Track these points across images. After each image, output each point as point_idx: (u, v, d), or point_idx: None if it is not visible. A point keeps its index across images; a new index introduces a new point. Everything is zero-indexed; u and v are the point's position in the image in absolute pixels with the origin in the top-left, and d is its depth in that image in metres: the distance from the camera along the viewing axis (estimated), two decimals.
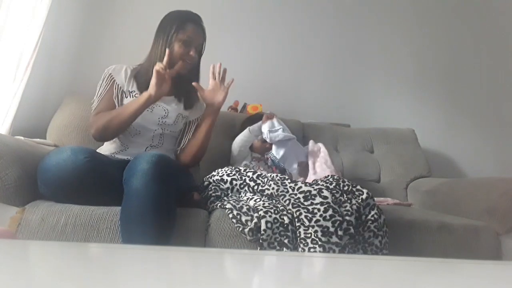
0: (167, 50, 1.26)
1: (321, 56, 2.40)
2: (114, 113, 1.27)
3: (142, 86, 1.33)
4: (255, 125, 1.67)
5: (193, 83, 1.35)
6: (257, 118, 1.78)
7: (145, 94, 1.23)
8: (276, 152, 1.62)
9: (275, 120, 1.64)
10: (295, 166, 1.64)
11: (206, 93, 1.36)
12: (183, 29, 1.34)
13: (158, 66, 1.22)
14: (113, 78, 1.36)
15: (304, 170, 1.67)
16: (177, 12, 1.40)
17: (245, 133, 1.68)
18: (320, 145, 1.75)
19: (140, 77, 1.37)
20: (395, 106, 2.43)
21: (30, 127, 1.69)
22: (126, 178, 1.04)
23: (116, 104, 1.34)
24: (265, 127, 1.62)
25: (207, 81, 1.39)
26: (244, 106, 2.14)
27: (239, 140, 1.69)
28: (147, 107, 1.26)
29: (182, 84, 1.39)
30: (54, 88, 1.91)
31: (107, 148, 1.35)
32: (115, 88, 1.35)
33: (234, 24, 2.31)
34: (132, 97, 1.35)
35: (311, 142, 1.77)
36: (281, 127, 1.62)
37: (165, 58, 1.25)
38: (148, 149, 1.35)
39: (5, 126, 1.49)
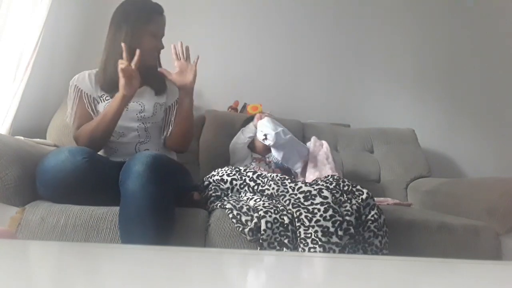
0: (123, 45, 1.18)
1: (321, 56, 2.40)
2: (95, 123, 1.23)
3: (110, 86, 1.28)
4: (247, 127, 1.64)
5: (159, 69, 1.33)
6: (251, 117, 1.78)
7: (119, 96, 1.19)
8: (277, 154, 1.56)
9: (267, 122, 1.54)
10: (299, 164, 1.61)
11: (174, 76, 1.31)
12: (152, 21, 1.30)
13: (122, 64, 1.15)
14: (79, 88, 1.31)
15: (305, 167, 1.66)
16: (138, 2, 1.33)
17: (238, 135, 1.66)
18: (323, 142, 1.72)
19: (106, 79, 1.30)
20: (395, 106, 2.42)
21: (30, 127, 1.69)
22: (122, 180, 1.03)
23: (91, 113, 1.30)
24: (267, 129, 1.51)
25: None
26: (244, 106, 2.14)
27: (234, 143, 1.67)
28: (124, 108, 1.23)
29: (150, 72, 1.34)
30: (54, 88, 1.90)
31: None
32: (85, 98, 1.31)
33: (233, 24, 2.31)
34: (103, 101, 1.31)
35: (313, 138, 1.73)
36: (281, 128, 1.55)
37: (124, 54, 1.17)
38: (138, 146, 1.34)
39: (5, 126, 1.49)
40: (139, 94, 1.34)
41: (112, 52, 1.28)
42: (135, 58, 1.18)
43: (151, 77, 1.36)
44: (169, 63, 1.36)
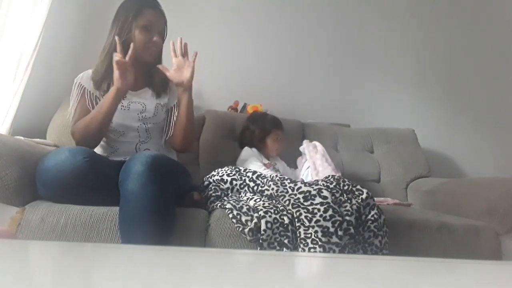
0: (116, 38, 1.19)
1: (321, 56, 2.40)
2: (89, 117, 1.23)
3: (102, 81, 1.28)
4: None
5: (158, 66, 1.32)
6: (260, 115, 1.78)
7: (113, 90, 1.19)
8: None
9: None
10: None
11: (172, 73, 1.29)
12: (141, 15, 1.29)
13: (116, 57, 1.16)
14: (82, 86, 1.32)
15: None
16: (132, 0, 1.34)
17: (258, 166, 1.56)
18: (316, 143, 1.72)
19: (97, 76, 1.31)
20: (395, 106, 2.42)
21: (30, 127, 1.69)
22: (122, 180, 1.03)
23: (91, 110, 1.29)
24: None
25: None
26: (244, 106, 2.14)
27: (252, 166, 1.55)
28: (119, 101, 1.22)
29: (152, 72, 1.36)
30: (54, 88, 1.91)
31: (98, 152, 1.33)
32: (87, 95, 1.31)
33: (233, 24, 2.31)
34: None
35: (305, 142, 1.73)
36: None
37: (118, 47, 1.18)
38: (139, 145, 1.34)
39: (5, 126, 1.49)
40: (141, 95, 1.36)
41: (108, 48, 1.29)
42: (129, 51, 1.19)
43: (152, 77, 1.37)
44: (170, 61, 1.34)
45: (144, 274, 0.39)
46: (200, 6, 2.23)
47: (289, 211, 1.13)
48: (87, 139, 1.24)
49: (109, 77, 1.26)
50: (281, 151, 1.70)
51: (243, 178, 1.34)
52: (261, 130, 1.68)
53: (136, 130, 1.33)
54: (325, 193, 1.12)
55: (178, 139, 1.37)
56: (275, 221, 1.10)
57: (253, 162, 1.57)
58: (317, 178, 1.50)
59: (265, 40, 2.34)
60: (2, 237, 0.64)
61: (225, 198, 1.28)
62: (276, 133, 1.68)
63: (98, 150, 1.36)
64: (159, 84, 1.39)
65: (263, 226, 1.08)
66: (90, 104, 1.31)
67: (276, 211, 1.13)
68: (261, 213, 1.11)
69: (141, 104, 1.34)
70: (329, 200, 1.11)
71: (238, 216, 1.13)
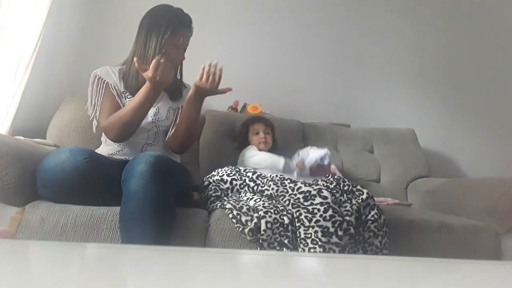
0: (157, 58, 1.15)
1: (321, 56, 2.40)
2: (128, 113, 1.19)
3: (132, 87, 1.30)
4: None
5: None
6: (256, 119, 1.78)
7: (149, 86, 1.16)
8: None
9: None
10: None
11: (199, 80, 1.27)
12: (178, 33, 1.31)
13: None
14: (105, 81, 1.31)
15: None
16: (169, 11, 1.33)
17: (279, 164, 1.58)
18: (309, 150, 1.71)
19: (129, 78, 1.32)
20: (395, 106, 2.42)
21: (30, 127, 1.70)
22: (125, 179, 1.04)
23: (120, 104, 1.30)
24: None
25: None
26: (244, 106, 2.14)
27: (253, 155, 1.62)
28: (157, 96, 1.21)
29: None
30: (54, 88, 1.91)
31: (104, 150, 1.34)
32: (113, 90, 1.31)
33: (234, 24, 2.31)
34: (125, 98, 1.32)
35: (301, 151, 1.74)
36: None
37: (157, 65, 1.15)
38: (145, 147, 1.35)
39: (5, 126, 1.49)
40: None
41: (141, 56, 1.29)
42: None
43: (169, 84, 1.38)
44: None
45: (144, 274, 0.39)
46: (200, 7, 2.23)
47: (289, 211, 1.13)
48: (124, 135, 1.25)
49: (136, 82, 1.29)
50: (268, 144, 1.69)
51: (243, 178, 1.34)
52: (242, 130, 1.75)
53: (147, 131, 1.35)
54: (325, 193, 1.12)
55: (176, 140, 1.38)
56: (275, 221, 1.10)
57: (252, 152, 1.63)
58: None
59: (265, 40, 2.34)
60: (2, 237, 0.64)
61: (225, 198, 1.28)
62: (254, 127, 1.71)
63: (103, 147, 1.37)
64: (175, 90, 1.42)
65: (263, 226, 1.08)
66: (118, 98, 1.31)
67: (276, 211, 1.13)
68: (261, 213, 1.11)
69: (155, 107, 1.36)
70: (329, 200, 1.11)
71: (238, 216, 1.13)
